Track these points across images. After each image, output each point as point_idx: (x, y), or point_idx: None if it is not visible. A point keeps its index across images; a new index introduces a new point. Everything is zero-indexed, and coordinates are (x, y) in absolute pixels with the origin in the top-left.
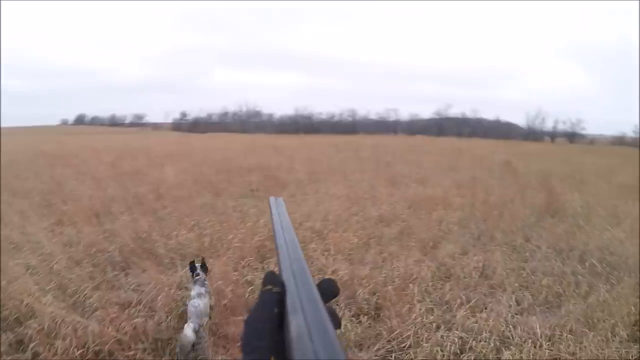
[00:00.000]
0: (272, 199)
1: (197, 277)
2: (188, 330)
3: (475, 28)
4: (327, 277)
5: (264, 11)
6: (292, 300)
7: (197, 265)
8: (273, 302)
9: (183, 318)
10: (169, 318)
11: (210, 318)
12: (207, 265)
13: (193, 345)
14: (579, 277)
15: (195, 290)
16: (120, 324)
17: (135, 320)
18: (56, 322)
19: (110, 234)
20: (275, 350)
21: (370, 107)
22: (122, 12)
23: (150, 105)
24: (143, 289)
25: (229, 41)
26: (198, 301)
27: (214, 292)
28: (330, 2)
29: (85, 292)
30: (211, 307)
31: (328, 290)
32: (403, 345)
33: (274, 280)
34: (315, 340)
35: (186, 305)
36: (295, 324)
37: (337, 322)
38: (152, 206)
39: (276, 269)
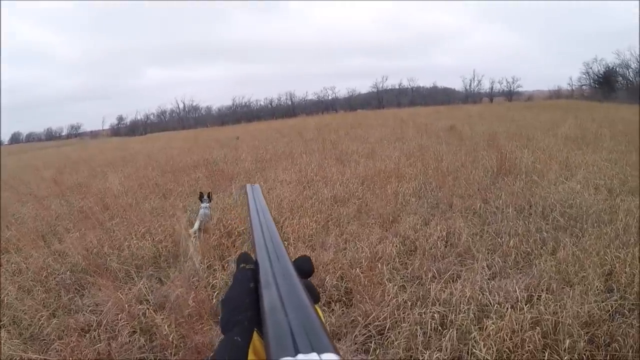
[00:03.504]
0: (248, 185)
1: (205, 199)
2: (195, 225)
3: None
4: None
5: (183, 9)
6: (265, 275)
7: (204, 194)
8: (248, 277)
9: (148, 333)
10: (133, 337)
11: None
12: (212, 197)
13: (195, 233)
14: (544, 233)
15: (203, 205)
16: (82, 352)
17: (98, 345)
18: None
19: (59, 254)
20: (257, 322)
21: (308, 88)
22: (31, 19)
23: (86, 114)
24: (101, 309)
25: (154, 40)
26: (204, 210)
27: (174, 303)
28: None
29: (42, 321)
30: (210, 219)
31: (302, 267)
32: (381, 328)
33: (246, 259)
34: (289, 312)
35: (198, 211)
36: (268, 297)
37: (315, 296)
38: (99, 218)
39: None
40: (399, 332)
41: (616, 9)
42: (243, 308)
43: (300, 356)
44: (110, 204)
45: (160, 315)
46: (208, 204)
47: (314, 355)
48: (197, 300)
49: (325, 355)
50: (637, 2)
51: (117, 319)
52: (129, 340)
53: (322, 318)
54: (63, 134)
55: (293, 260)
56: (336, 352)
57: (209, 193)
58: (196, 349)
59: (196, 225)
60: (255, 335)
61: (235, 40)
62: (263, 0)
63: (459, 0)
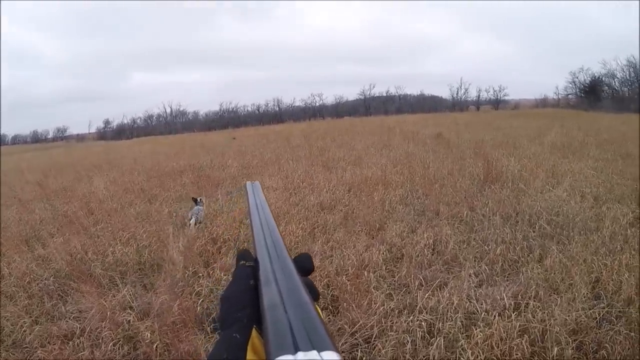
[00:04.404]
0: (248, 183)
1: (199, 202)
2: (192, 221)
3: (385, 5)
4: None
5: (170, 13)
6: (265, 272)
7: (197, 199)
8: (248, 275)
9: (132, 340)
10: (117, 345)
11: (201, 222)
12: (204, 202)
13: (195, 225)
14: (531, 241)
15: (198, 206)
16: None
17: (81, 353)
18: None
19: (42, 260)
20: (257, 320)
21: (295, 94)
22: (18, 18)
23: (72, 117)
24: (85, 316)
25: (141, 44)
26: (199, 208)
27: (159, 310)
28: None
29: (24, 328)
30: (205, 216)
31: (303, 265)
32: (368, 336)
33: (246, 257)
34: (289, 309)
35: (192, 209)
36: (268, 294)
37: (315, 294)
38: (83, 223)
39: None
40: (386, 340)
41: (606, 19)
42: (242, 305)
43: (300, 354)
44: (95, 208)
45: (145, 322)
46: (202, 207)
47: (314, 353)
48: (182, 308)
49: (325, 354)
50: (625, 13)
51: (101, 327)
52: (113, 348)
53: (322, 316)
54: (49, 136)
55: (293, 257)
56: (336, 350)
57: (200, 198)
58: (181, 358)
59: (193, 220)
60: (254, 333)
61: (223, 43)
62: (252, 0)
63: (448, 1)
